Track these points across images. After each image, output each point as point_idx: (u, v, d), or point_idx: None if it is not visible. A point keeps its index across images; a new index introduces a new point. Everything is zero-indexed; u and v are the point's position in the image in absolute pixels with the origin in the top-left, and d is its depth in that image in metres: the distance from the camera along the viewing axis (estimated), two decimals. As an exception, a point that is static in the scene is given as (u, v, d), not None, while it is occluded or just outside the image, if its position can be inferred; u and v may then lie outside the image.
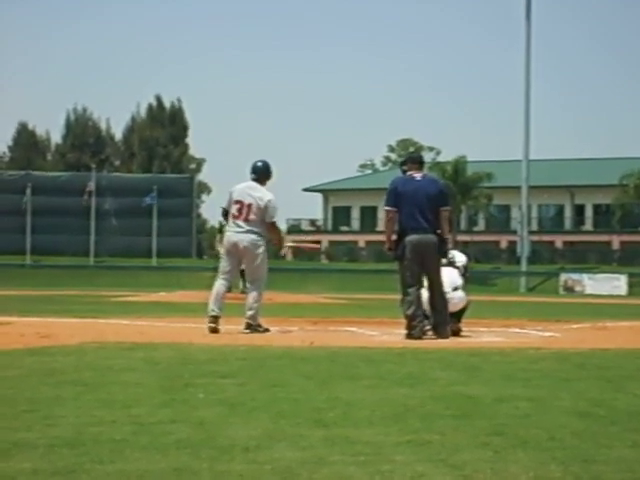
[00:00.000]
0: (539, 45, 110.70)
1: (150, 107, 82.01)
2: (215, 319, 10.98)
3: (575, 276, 51.53)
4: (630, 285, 48.95)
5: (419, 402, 5.56)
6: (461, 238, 60.07)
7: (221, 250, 11.65)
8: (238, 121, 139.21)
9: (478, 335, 11.16)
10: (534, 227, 68.98)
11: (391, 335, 10.90)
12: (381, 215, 77.67)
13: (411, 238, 10.55)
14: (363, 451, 4.18)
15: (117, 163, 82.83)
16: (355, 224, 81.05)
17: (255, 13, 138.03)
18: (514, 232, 59.34)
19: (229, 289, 11.78)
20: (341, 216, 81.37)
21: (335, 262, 68.43)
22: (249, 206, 11.21)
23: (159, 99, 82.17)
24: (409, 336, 10.39)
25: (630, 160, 67.83)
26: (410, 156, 11.68)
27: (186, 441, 4.33)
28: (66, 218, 57.83)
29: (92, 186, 57.63)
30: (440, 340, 10.25)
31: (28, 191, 57.37)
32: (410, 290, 10.56)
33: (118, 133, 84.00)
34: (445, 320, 10.65)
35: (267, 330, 11.09)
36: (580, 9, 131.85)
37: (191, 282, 41.55)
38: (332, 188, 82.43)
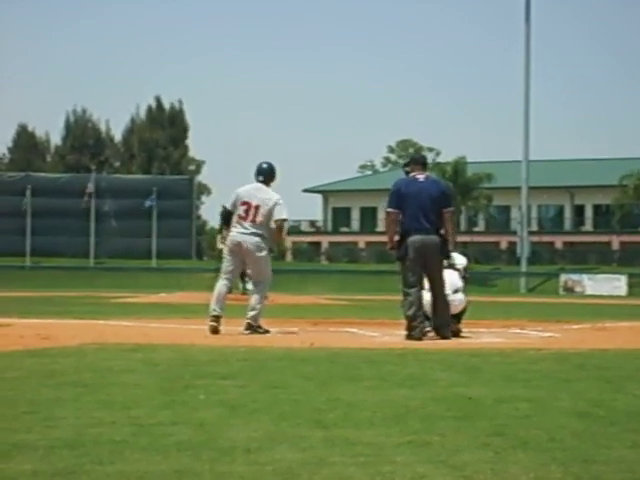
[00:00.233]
0: (539, 45, 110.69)
1: (150, 109, 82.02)
2: (216, 319, 10.98)
3: (575, 277, 51.56)
4: (630, 285, 48.98)
5: (420, 403, 5.56)
6: (461, 239, 59.94)
7: (224, 249, 11.64)
8: (238, 122, 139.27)
9: (478, 336, 11.16)
10: (534, 228, 69.01)
11: (392, 336, 10.90)
12: (381, 216, 77.79)
13: (414, 239, 10.55)
14: (364, 452, 4.18)
15: (117, 165, 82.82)
16: (355, 225, 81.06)
17: (255, 13, 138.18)
18: (514, 233, 59.36)
19: (230, 290, 11.78)
20: (341, 217, 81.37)
21: (335, 263, 68.45)
22: (257, 208, 11.19)
23: (159, 100, 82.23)
24: (409, 337, 10.39)
25: (630, 160, 67.90)
26: (413, 157, 11.66)
27: (187, 442, 4.33)
28: (66, 220, 57.85)
29: (91, 188, 57.64)
30: (441, 341, 10.25)
31: (28, 193, 57.41)
32: (411, 291, 10.56)
33: (118, 135, 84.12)
34: (446, 322, 10.64)
35: (267, 331, 11.09)
36: (580, 9, 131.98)
37: (191, 283, 41.64)
38: (332, 189, 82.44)
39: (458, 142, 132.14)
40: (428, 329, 10.64)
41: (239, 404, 5.45)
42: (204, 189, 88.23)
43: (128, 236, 58.36)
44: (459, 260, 11.51)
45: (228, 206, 11.36)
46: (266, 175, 11.45)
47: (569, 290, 49.62)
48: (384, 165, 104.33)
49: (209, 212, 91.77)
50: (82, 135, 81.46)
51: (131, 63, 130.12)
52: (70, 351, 8.50)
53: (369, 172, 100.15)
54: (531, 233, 58.99)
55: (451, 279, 11.04)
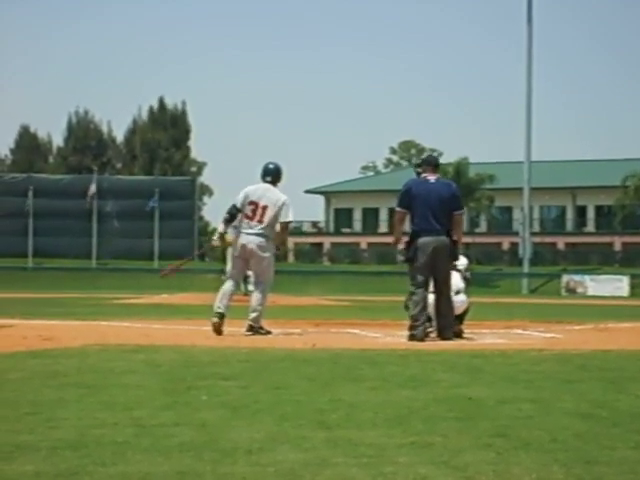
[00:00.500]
0: (541, 46, 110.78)
1: (151, 110, 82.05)
2: (220, 316, 10.95)
3: (577, 277, 51.54)
4: (632, 286, 48.95)
5: (422, 404, 5.56)
6: (463, 240, 60.02)
7: (214, 244, 11.76)
8: (239, 123, 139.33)
9: (480, 337, 11.16)
10: (536, 229, 69.01)
11: (394, 337, 10.89)
12: (383, 217, 77.97)
13: (424, 241, 10.55)
14: (366, 453, 4.18)
15: (119, 166, 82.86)
16: (357, 226, 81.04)
17: (255, 13, 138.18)
18: (516, 234, 59.38)
19: (235, 291, 11.76)
20: (343, 218, 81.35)
21: (337, 264, 68.45)
22: (264, 208, 11.18)
23: (162, 101, 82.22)
24: (412, 336, 10.39)
25: (632, 161, 67.88)
26: (426, 159, 11.46)
27: (189, 443, 4.33)
28: (68, 221, 57.89)
29: (94, 189, 57.65)
30: (443, 342, 10.25)
31: (30, 194, 57.45)
32: (418, 291, 10.56)
33: (120, 136, 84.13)
34: (450, 324, 10.64)
35: (269, 332, 11.09)
36: (581, 10, 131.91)
37: (193, 284, 41.62)
38: (334, 190, 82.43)
39: (460, 143, 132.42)
40: (430, 330, 10.65)
41: (241, 405, 5.45)
42: (206, 190, 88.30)
43: (130, 237, 58.40)
44: (460, 261, 11.52)
45: (238, 205, 11.26)
46: (274, 175, 11.43)
47: (571, 291, 49.61)
48: (386, 166, 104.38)
49: (211, 213, 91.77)
50: (84, 136, 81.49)
51: (133, 64, 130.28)
52: (72, 352, 8.50)
53: (371, 173, 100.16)
54: (533, 234, 58.98)
55: (453, 280, 11.04)
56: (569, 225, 76.39)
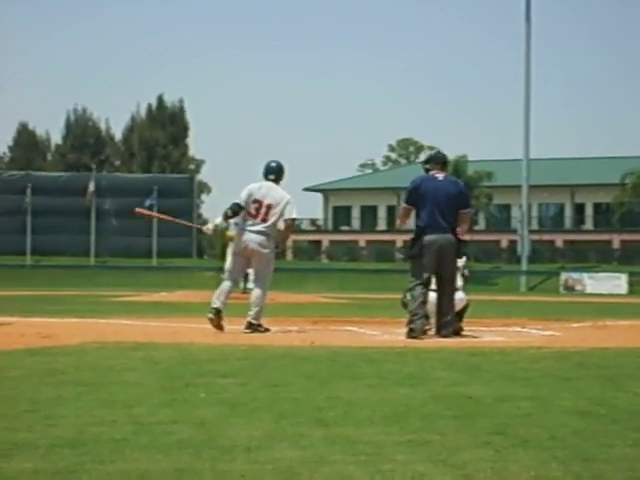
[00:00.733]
0: (539, 44, 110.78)
1: (150, 107, 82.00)
2: (216, 312, 10.93)
3: (575, 275, 51.54)
4: (630, 284, 49.00)
5: (420, 402, 5.56)
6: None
7: (204, 231, 12.01)
8: (238, 121, 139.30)
9: (479, 334, 11.16)
10: (534, 226, 68.99)
11: (392, 335, 10.89)
12: (381, 214, 78.06)
13: (430, 238, 10.55)
14: (364, 450, 4.18)
15: (117, 163, 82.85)
16: (355, 223, 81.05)
17: (255, 13, 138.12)
18: (514, 231, 59.35)
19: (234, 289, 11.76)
20: (341, 216, 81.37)
21: (335, 261, 68.46)
22: (268, 207, 11.14)
23: (160, 99, 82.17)
24: (410, 330, 10.37)
25: (631, 159, 67.84)
26: (434, 156, 11.28)
27: (187, 441, 4.33)
28: (66, 218, 57.93)
29: (93, 186, 57.64)
30: (441, 340, 10.25)
31: (28, 191, 57.44)
32: (418, 287, 10.56)
33: (118, 133, 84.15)
34: (450, 321, 10.64)
35: (267, 330, 11.08)
36: (580, 8, 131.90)
37: (192, 282, 41.67)
38: (332, 188, 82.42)
39: (458, 141, 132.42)
40: (428, 327, 10.65)
41: (239, 402, 5.45)
42: (204, 188, 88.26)
43: (129, 235, 58.41)
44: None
45: (242, 202, 11.18)
46: (276, 174, 11.41)
47: (569, 289, 49.62)
48: (384, 164, 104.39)
49: (210, 211, 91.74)
50: (82, 134, 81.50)
51: (131, 62, 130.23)
52: (71, 350, 8.50)
53: (369, 171, 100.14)
54: (531, 231, 58.96)
55: (453, 278, 11.04)
56: (567, 223, 76.40)
